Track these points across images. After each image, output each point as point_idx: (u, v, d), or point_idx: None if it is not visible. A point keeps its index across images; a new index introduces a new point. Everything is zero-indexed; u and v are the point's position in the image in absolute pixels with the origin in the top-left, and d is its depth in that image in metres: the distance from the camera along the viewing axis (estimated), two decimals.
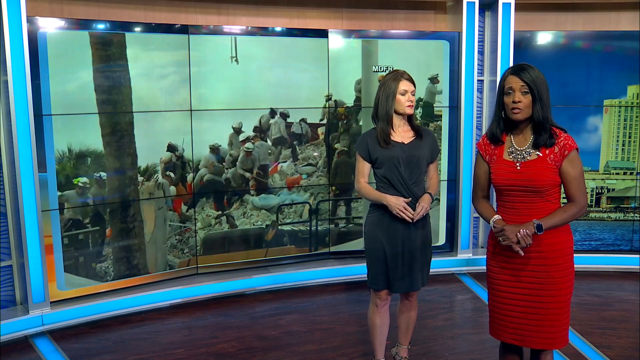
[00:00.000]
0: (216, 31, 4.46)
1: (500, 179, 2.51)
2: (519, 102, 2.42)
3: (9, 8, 3.57)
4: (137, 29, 4.19)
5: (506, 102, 2.47)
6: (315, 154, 4.86)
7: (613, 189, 5.09)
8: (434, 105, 4.96)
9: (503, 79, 2.49)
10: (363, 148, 3.08)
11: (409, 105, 3.01)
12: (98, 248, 4.17)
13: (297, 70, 4.73)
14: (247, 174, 4.66)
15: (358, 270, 4.68)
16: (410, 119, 3.08)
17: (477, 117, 5.05)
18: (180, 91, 4.36)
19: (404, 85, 3.00)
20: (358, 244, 4.94)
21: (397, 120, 3.05)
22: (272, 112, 4.67)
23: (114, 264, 4.25)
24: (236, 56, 4.48)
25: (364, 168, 3.10)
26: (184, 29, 4.32)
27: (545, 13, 5.13)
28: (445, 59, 4.92)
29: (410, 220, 2.96)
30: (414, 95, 3.02)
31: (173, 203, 4.45)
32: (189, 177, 4.46)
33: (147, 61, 4.22)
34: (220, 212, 4.64)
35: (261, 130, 4.66)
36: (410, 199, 2.99)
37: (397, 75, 3.02)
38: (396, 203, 2.96)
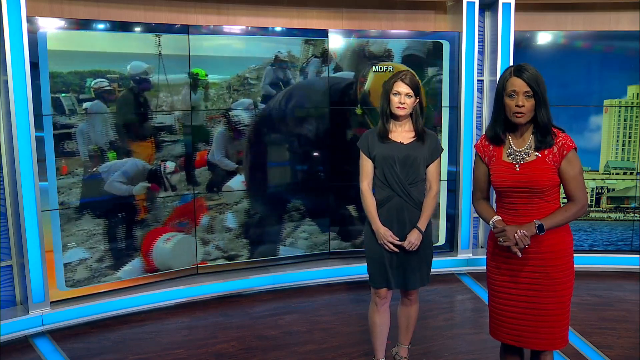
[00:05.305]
0: (216, 31, 4.46)
1: (499, 180, 2.50)
2: (522, 106, 2.39)
3: (9, 8, 3.57)
4: (137, 29, 4.19)
5: (508, 104, 2.43)
6: (315, 153, 4.85)
7: (613, 189, 5.09)
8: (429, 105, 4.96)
9: (504, 79, 2.44)
10: (364, 143, 3.09)
11: (399, 107, 2.97)
12: (97, 248, 4.17)
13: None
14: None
15: (358, 270, 4.68)
16: (416, 121, 3.04)
17: (477, 117, 5.04)
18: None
19: (398, 86, 2.97)
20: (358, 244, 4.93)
21: (397, 120, 3.04)
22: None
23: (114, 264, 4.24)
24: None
25: (366, 166, 3.09)
26: (184, 29, 4.32)
27: (545, 13, 5.12)
28: (445, 59, 4.92)
29: (393, 251, 3.04)
30: (409, 97, 2.97)
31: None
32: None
33: None
34: None
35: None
36: (400, 242, 3.02)
37: (397, 75, 3.00)
38: (384, 235, 3.02)
